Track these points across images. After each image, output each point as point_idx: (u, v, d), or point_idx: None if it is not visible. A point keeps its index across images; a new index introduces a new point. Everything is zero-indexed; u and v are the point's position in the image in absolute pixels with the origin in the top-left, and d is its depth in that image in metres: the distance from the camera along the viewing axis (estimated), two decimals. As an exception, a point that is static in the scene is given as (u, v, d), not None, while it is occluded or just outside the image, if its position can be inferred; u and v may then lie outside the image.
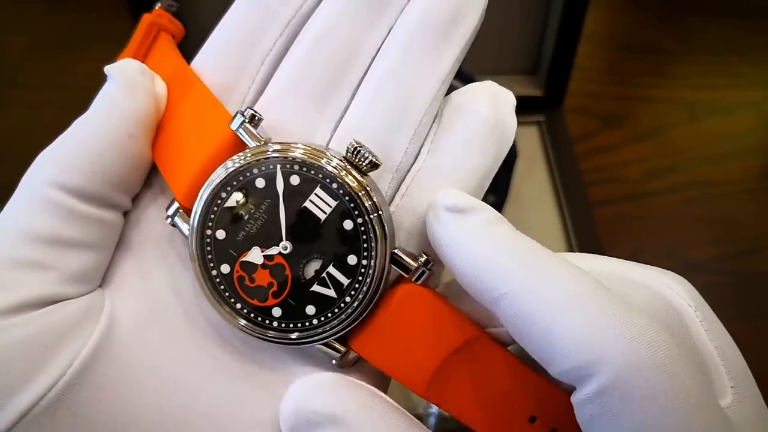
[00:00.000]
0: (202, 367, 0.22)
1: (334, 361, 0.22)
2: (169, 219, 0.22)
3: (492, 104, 0.22)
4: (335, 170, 0.21)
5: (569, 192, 0.65)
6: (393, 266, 0.21)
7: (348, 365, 0.22)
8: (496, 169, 0.23)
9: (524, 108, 0.70)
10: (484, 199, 0.22)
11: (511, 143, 0.23)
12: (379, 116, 0.22)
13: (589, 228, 0.62)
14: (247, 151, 0.21)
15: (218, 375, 0.22)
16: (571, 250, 0.62)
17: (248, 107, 0.21)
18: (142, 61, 0.24)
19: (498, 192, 0.61)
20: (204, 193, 0.21)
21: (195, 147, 0.22)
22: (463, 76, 0.59)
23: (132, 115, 0.22)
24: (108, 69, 0.22)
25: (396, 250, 0.21)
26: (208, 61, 0.23)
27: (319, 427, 0.20)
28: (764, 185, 0.69)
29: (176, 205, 0.22)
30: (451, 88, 0.24)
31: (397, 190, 0.23)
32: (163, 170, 0.22)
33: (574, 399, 0.18)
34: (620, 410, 0.16)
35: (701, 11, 0.82)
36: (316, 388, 0.21)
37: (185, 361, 0.22)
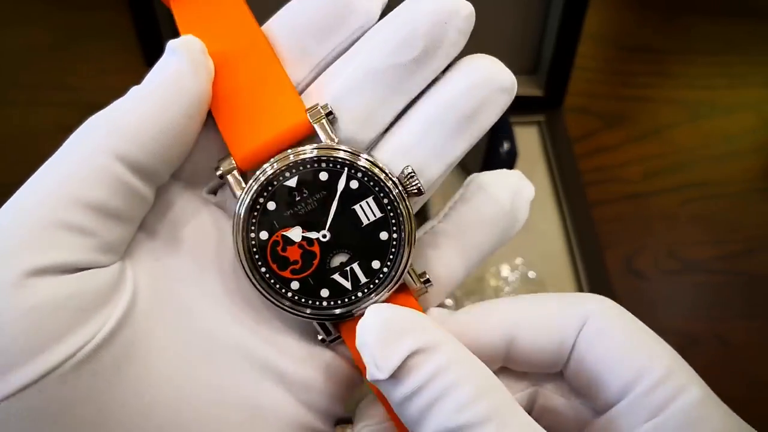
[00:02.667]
0: (209, 341, 0.23)
1: (320, 337, 0.25)
2: (220, 172, 0.24)
3: (511, 194, 0.25)
4: (393, 189, 0.24)
5: (569, 192, 0.65)
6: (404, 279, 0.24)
7: (331, 343, 0.25)
8: (497, 250, 0.26)
9: (524, 108, 0.70)
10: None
11: (517, 230, 0.26)
12: None
13: (589, 228, 0.62)
14: (323, 146, 0.24)
15: (225, 349, 0.23)
16: (571, 250, 0.62)
17: (327, 103, 0.24)
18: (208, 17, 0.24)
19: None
20: (272, 166, 0.24)
21: (265, 121, 0.24)
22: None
23: (196, 96, 0.22)
24: (172, 44, 0.23)
25: (411, 268, 0.25)
26: (279, 31, 0.24)
27: (409, 335, 0.20)
28: (764, 185, 0.69)
29: (233, 164, 0.24)
30: None
31: None
32: (223, 128, 0.24)
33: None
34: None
35: (701, 11, 0.82)
36: (398, 309, 0.21)
37: (192, 340, 0.23)
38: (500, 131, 0.60)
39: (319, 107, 0.23)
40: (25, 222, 0.20)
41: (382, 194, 0.24)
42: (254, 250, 0.24)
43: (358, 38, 0.24)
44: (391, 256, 0.24)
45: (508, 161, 0.62)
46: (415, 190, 0.24)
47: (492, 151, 0.61)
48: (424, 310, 0.25)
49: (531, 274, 0.60)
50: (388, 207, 0.24)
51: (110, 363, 0.20)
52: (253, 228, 0.24)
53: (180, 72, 0.22)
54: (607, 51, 0.80)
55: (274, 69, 0.24)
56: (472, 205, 0.25)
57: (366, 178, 0.24)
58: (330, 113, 0.24)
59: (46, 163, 0.21)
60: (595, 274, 0.59)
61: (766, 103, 0.75)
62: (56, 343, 0.19)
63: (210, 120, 0.24)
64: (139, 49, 0.63)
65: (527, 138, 0.68)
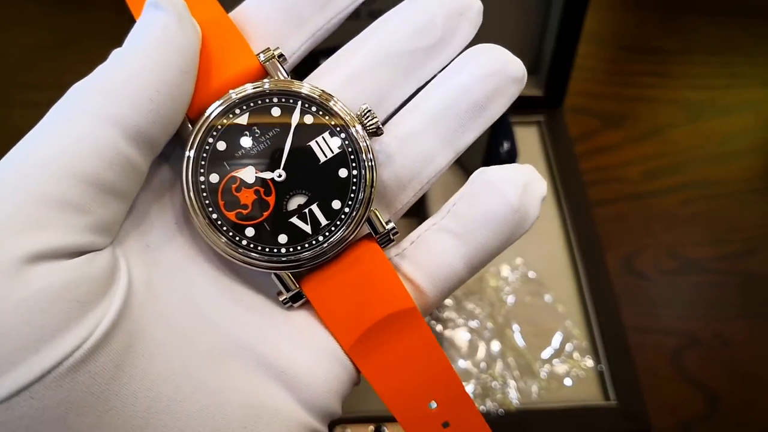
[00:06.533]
0: (205, 330, 0.21)
1: (281, 297, 0.23)
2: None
3: (520, 191, 0.23)
4: (349, 122, 0.23)
5: (569, 192, 0.65)
6: (366, 224, 0.23)
7: (293, 303, 0.23)
8: (504, 249, 0.24)
9: (524, 108, 0.70)
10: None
11: (526, 230, 0.23)
12: (390, 172, 0.24)
13: (589, 228, 0.62)
14: (273, 79, 0.22)
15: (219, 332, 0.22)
16: (571, 250, 0.62)
17: (278, 47, 0.23)
18: None
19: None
20: (220, 105, 0.22)
21: (215, 70, 0.22)
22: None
23: (186, 50, 0.21)
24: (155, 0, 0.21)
25: (374, 210, 0.23)
26: (254, 12, 0.24)
27: None
28: (764, 185, 0.69)
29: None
30: None
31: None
32: None
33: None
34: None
35: (701, 11, 0.82)
36: None
37: (188, 336, 0.21)
38: (500, 131, 0.60)
39: (271, 50, 0.23)
40: (13, 199, 0.17)
41: (338, 128, 0.23)
42: (204, 194, 0.22)
43: (355, 10, 0.24)
44: (352, 195, 0.23)
45: (508, 161, 0.62)
46: (373, 128, 0.23)
47: (492, 151, 0.62)
48: (422, 311, 0.23)
49: (531, 274, 0.60)
50: (346, 142, 0.23)
51: (109, 363, 0.18)
52: (202, 171, 0.22)
53: (168, 26, 0.20)
54: (607, 51, 0.80)
55: (229, 31, 0.23)
56: (477, 201, 0.23)
57: (321, 112, 0.23)
58: (281, 55, 0.23)
59: (30, 134, 0.19)
60: (595, 274, 0.60)
61: (766, 103, 0.75)
62: (51, 341, 0.17)
63: None
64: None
65: (527, 138, 0.68)
